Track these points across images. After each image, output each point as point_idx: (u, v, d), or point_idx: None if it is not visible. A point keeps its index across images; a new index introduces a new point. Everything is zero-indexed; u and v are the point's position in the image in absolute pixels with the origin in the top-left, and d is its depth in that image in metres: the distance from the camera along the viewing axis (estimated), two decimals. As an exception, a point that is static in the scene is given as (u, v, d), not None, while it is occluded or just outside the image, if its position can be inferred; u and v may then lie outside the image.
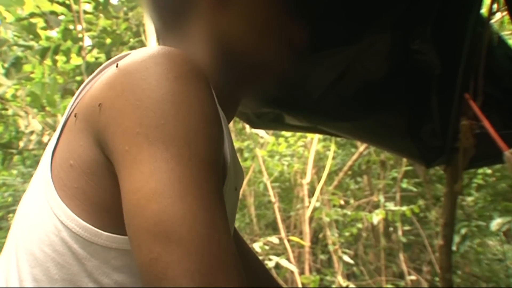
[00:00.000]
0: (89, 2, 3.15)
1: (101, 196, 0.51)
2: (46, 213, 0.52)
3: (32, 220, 0.54)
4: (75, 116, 0.54)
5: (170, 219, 0.43)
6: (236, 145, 3.93)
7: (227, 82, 0.65)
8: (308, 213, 3.53)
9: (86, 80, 0.60)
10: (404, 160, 3.69)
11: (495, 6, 1.18)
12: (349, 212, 3.58)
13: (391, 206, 3.56)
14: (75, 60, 3.33)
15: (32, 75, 3.15)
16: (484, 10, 1.19)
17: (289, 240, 3.40)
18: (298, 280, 3.19)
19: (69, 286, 0.51)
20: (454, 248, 2.87)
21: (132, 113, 0.47)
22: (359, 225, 3.74)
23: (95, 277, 0.51)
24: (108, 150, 0.49)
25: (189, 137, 0.46)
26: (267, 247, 3.32)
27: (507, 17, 1.62)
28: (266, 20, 0.65)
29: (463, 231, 3.35)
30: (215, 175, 0.47)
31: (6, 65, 2.86)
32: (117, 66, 0.51)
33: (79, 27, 3.04)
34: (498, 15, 1.66)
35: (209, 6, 0.63)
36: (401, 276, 3.85)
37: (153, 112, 0.46)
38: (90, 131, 0.51)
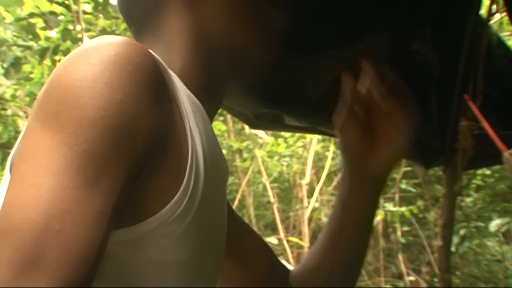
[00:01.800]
0: (88, 3, 3.15)
1: None
2: None
3: None
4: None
5: (12, 208, 0.41)
6: (235, 145, 3.93)
7: (209, 75, 0.63)
8: (307, 213, 3.52)
9: None
10: (403, 160, 3.69)
11: (494, 7, 1.18)
12: (348, 213, 3.57)
13: (390, 206, 3.56)
14: (75, 60, 3.32)
15: (31, 75, 3.14)
16: (483, 11, 1.20)
17: (288, 241, 3.40)
18: (297, 281, 3.19)
19: None
20: (453, 249, 2.87)
21: (41, 100, 0.46)
22: (358, 226, 3.74)
23: None
24: None
25: (80, 125, 0.42)
26: (266, 248, 3.31)
27: (506, 18, 1.63)
28: (242, 6, 0.64)
29: (462, 232, 3.35)
30: (102, 168, 0.43)
31: (5, 65, 2.86)
32: None
33: (78, 27, 3.04)
34: (497, 16, 1.66)
35: (182, 1, 0.63)
36: (400, 276, 3.86)
37: (56, 99, 0.44)
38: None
